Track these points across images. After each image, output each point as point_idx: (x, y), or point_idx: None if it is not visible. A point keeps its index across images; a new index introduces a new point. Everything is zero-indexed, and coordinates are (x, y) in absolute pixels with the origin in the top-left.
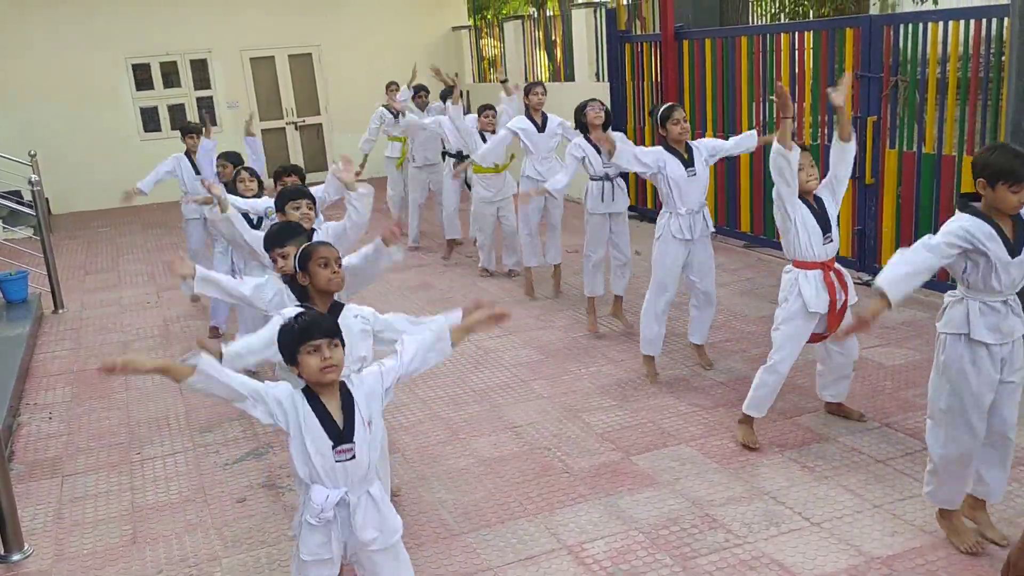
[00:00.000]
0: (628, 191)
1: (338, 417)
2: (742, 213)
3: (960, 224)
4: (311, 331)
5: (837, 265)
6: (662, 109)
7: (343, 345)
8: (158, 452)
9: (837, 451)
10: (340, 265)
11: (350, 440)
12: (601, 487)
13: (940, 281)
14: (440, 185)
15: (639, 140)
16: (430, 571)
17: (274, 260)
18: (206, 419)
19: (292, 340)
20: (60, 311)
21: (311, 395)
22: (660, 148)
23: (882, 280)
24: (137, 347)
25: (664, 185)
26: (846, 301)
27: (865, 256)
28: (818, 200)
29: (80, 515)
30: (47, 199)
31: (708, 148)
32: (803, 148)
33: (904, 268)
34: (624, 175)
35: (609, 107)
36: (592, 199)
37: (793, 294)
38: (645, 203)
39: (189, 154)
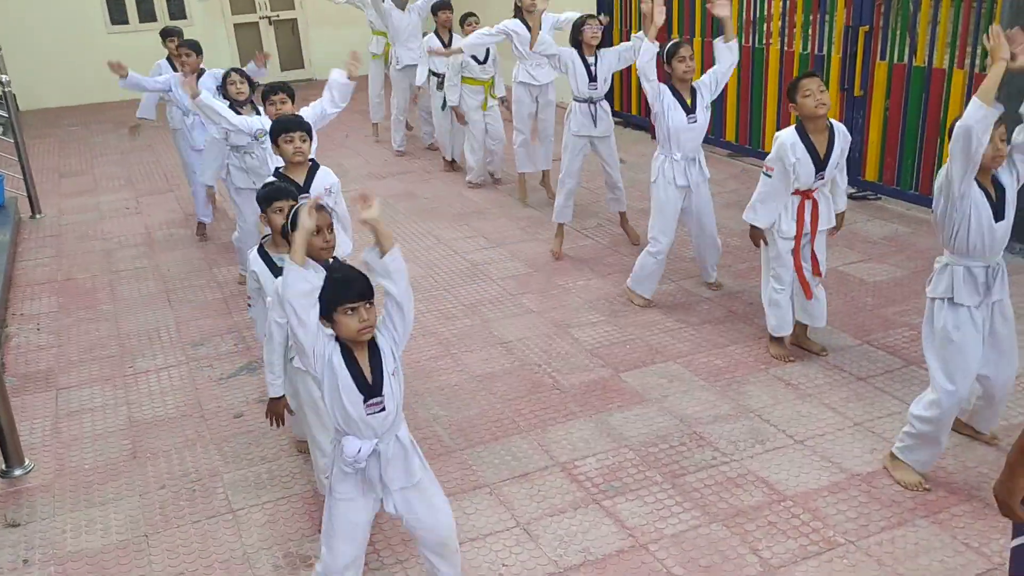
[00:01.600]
0: (613, 105)
1: (367, 371)
2: (727, 122)
3: None
4: (349, 294)
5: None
6: (668, 45)
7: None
8: (151, 366)
9: (820, 369)
10: (332, 231)
11: (379, 393)
12: (591, 404)
13: (924, 195)
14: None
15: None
16: None
17: (267, 221)
18: (197, 332)
19: (329, 300)
20: (38, 216)
21: (345, 350)
22: (665, 88)
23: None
24: (121, 256)
25: (662, 127)
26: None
27: (850, 169)
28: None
29: (78, 429)
30: (13, 94)
31: (710, 85)
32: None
33: None
34: (608, 97)
35: (595, 8)
36: (575, 121)
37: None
38: (630, 109)
39: (171, 59)
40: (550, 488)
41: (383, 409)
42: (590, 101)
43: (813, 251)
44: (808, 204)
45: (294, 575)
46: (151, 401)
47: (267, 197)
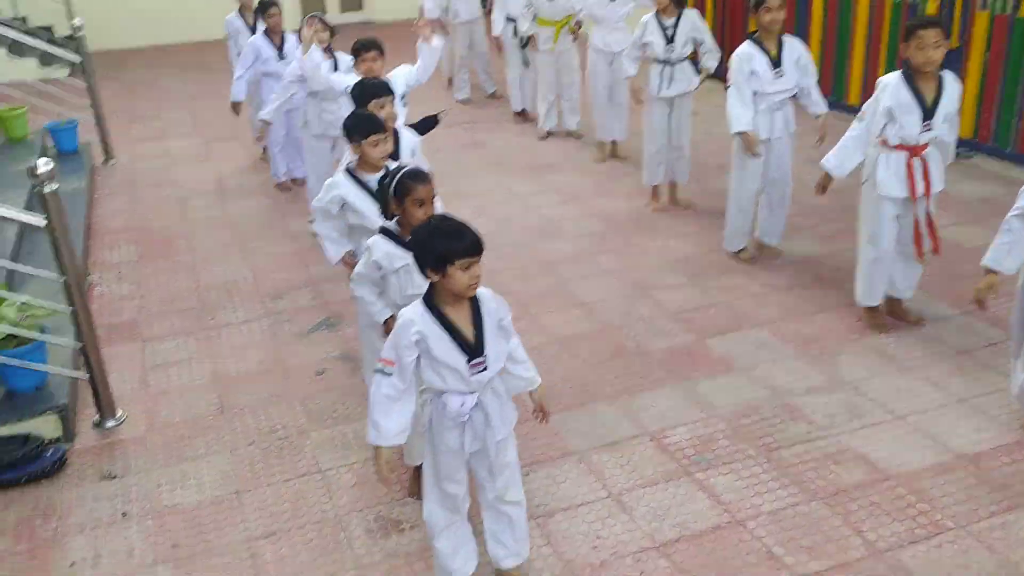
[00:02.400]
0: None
1: (468, 331)
2: (851, 84)
3: None
4: (467, 248)
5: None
6: None
7: None
8: (231, 319)
9: (917, 341)
10: (434, 203)
11: (481, 353)
12: (677, 371)
13: (1023, 154)
14: (482, 44)
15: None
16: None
17: (359, 152)
18: (273, 285)
19: (444, 256)
20: (110, 162)
21: (436, 311)
22: (749, 44)
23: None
24: (194, 204)
25: (750, 88)
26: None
27: None
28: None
29: (165, 383)
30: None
31: (800, 56)
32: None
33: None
34: (693, 58)
35: None
36: (651, 83)
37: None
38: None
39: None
40: (640, 458)
41: (485, 368)
42: (667, 63)
43: (929, 216)
44: (918, 164)
45: (386, 539)
46: (233, 355)
47: (361, 130)
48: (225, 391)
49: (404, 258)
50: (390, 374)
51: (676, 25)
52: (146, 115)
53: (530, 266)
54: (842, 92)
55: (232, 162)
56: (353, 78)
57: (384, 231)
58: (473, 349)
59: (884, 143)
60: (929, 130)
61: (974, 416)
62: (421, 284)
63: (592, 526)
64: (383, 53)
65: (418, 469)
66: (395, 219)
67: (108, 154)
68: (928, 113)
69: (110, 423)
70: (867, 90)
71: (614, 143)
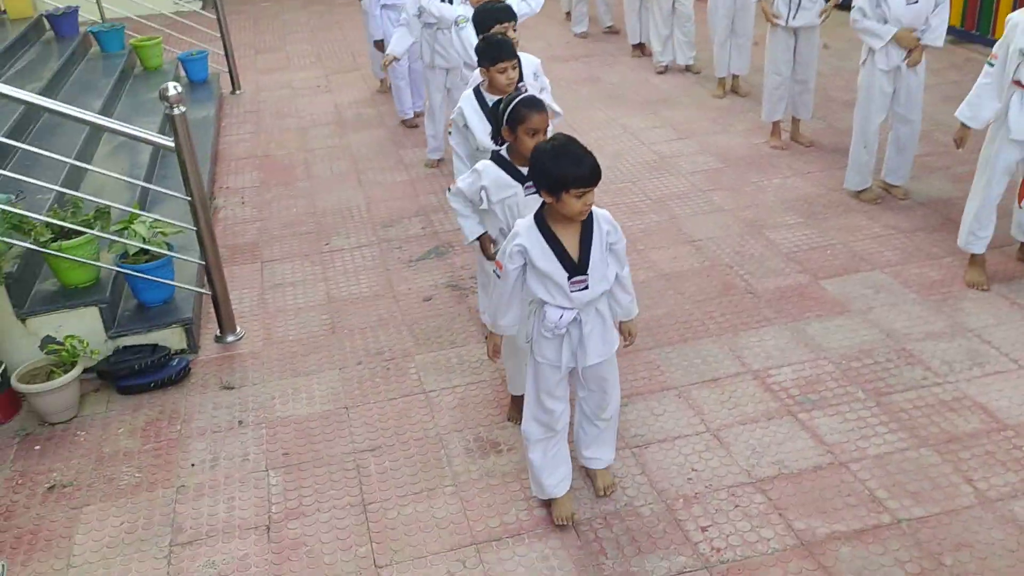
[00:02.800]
0: None
1: (573, 249)
2: (953, 3)
3: None
4: (582, 178)
5: None
6: None
7: None
8: (345, 244)
9: None
10: (547, 133)
11: (584, 272)
12: (787, 311)
13: None
14: None
15: None
16: None
17: (487, 75)
18: (386, 213)
19: (561, 182)
20: (237, 92)
21: (545, 228)
22: None
23: None
24: (314, 134)
25: (877, 12)
26: None
27: None
28: None
29: (282, 302)
30: None
31: None
32: None
33: None
34: None
35: None
36: (777, 8)
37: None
38: None
39: None
40: (742, 395)
41: (586, 287)
42: None
43: None
44: None
45: (484, 459)
46: (346, 279)
47: (490, 56)
48: (337, 312)
49: (513, 187)
50: (499, 277)
51: None
52: (271, 47)
53: (641, 202)
54: (987, 27)
55: (351, 94)
56: (465, 8)
57: (496, 157)
58: (576, 267)
59: (1019, 83)
60: None
61: None
62: (527, 215)
63: (688, 458)
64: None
65: (517, 398)
66: (506, 146)
67: (235, 84)
68: None
69: (230, 338)
70: (967, 11)
71: (735, 78)
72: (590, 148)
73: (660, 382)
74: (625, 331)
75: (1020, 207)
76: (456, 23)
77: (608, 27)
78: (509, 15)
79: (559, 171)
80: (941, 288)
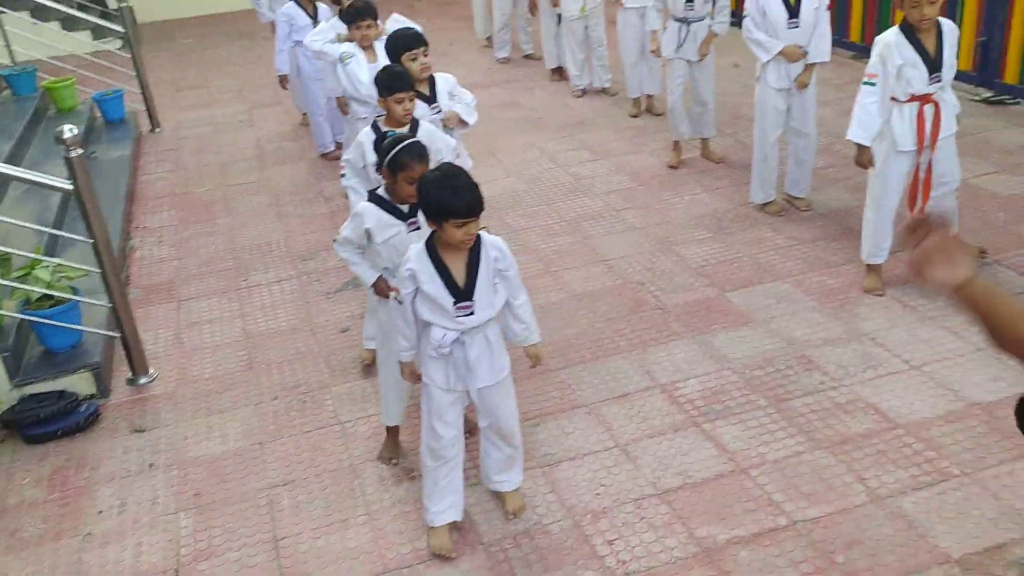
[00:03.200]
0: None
1: (460, 276)
2: (852, 21)
3: None
4: (460, 209)
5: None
6: None
7: None
8: (263, 279)
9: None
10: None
11: (469, 298)
12: (695, 325)
13: None
14: (523, 2)
15: None
16: (526, 407)
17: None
18: (305, 246)
19: (441, 212)
20: (156, 130)
21: (434, 253)
22: None
23: None
24: (234, 169)
25: (763, 29)
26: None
27: (987, 71)
28: None
29: (198, 340)
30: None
31: (820, 1)
32: None
33: None
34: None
35: None
36: (667, 41)
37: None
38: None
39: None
40: (650, 409)
41: (471, 313)
42: (684, 21)
43: (930, 165)
44: (929, 110)
45: (397, 486)
46: (264, 314)
47: (387, 86)
48: (254, 348)
49: (396, 226)
50: (400, 302)
51: None
52: (193, 84)
53: (555, 224)
54: (843, 30)
55: (273, 128)
56: (350, 45)
57: (374, 197)
58: (461, 293)
59: (896, 100)
60: (938, 81)
61: (992, 365)
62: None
63: (597, 474)
64: (377, 18)
65: (392, 432)
66: (384, 185)
67: (154, 122)
68: (934, 66)
69: (143, 380)
70: (867, 28)
71: (649, 97)
72: (507, 172)
73: (571, 401)
74: (530, 355)
75: (911, 214)
76: (341, 59)
77: (527, 55)
78: (419, 41)
79: (440, 201)
80: (839, 295)
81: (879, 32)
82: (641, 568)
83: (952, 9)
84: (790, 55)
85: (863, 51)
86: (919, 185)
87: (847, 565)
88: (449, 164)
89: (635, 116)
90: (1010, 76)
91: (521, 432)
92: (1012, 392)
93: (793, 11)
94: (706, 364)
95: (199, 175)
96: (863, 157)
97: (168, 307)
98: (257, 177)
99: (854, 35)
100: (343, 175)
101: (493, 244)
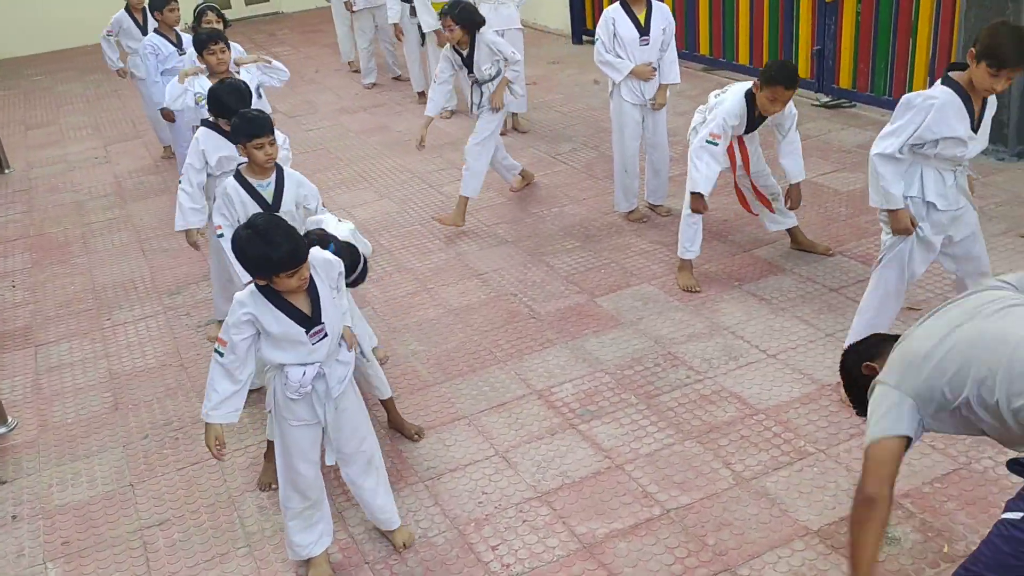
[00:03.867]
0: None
1: (304, 305)
2: (700, 35)
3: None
4: (286, 265)
5: None
6: None
7: None
8: (128, 317)
9: (793, 282)
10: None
11: (320, 322)
12: (567, 331)
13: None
14: (387, 27)
15: None
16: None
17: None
18: (172, 280)
19: (265, 267)
20: (6, 171)
21: (269, 292)
22: (616, 6)
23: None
24: (92, 207)
25: (613, 51)
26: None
27: (823, 77)
28: None
29: (59, 384)
30: None
31: (667, 23)
32: None
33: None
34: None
35: None
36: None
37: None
38: (584, 23)
39: (130, 11)
40: (527, 416)
41: (325, 335)
42: (476, 82)
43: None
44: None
45: (278, 515)
46: (130, 352)
47: (245, 133)
48: (120, 388)
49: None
50: (222, 354)
51: (471, 54)
52: (43, 122)
53: (430, 243)
54: (732, 54)
55: (132, 163)
56: (201, 82)
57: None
58: (311, 319)
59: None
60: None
61: (840, 348)
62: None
63: (478, 483)
64: (229, 45)
65: (271, 455)
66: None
67: (3, 163)
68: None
69: (1, 430)
70: (714, 41)
71: (514, 115)
72: (379, 195)
73: (451, 414)
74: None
75: (757, 214)
76: (197, 103)
77: (396, 76)
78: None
79: (260, 256)
80: (700, 294)
81: (725, 44)
82: (525, 569)
83: (788, 23)
84: (641, 74)
85: (711, 63)
86: (747, 192)
87: (718, 546)
88: (261, 215)
89: (503, 134)
90: (844, 81)
91: (402, 451)
92: None
93: (643, 30)
94: (579, 368)
95: (54, 215)
96: (696, 205)
97: (25, 353)
98: (117, 214)
99: (703, 48)
100: (219, 235)
101: (319, 264)
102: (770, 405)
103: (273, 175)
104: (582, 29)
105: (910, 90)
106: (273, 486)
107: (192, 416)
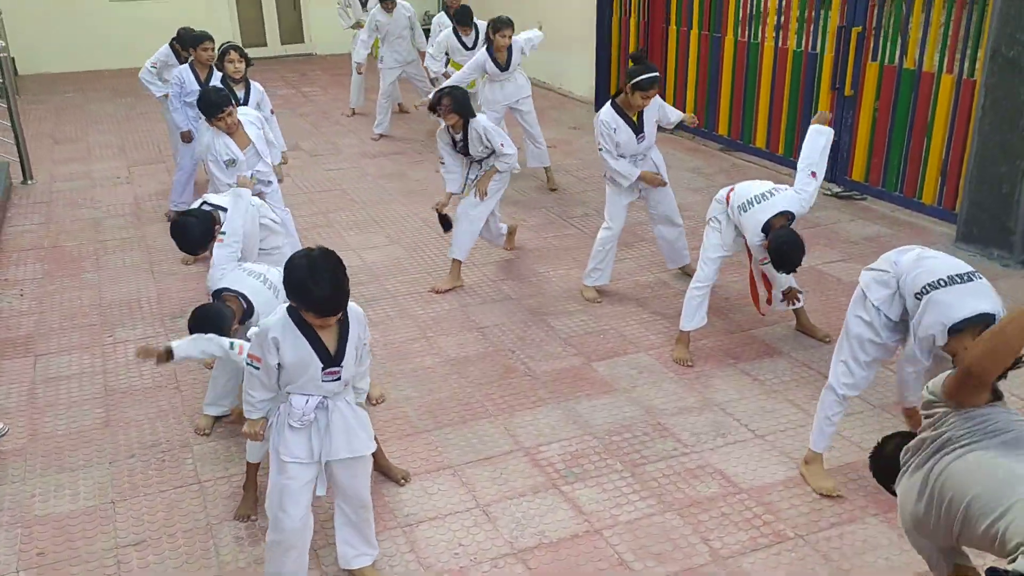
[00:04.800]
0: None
1: (331, 344)
2: (720, 115)
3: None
4: (320, 308)
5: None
6: (642, 78)
7: None
8: (130, 336)
9: (788, 365)
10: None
11: (339, 364)
12: (561, 391)
13: (909, 197)
14: (412, 74)
15: (624, 32)
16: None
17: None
18: (178, 304)
19: (301, 300)
20: (29, 182)
21: (300, 320)
22: (613, 114)
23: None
24: (108, 225)
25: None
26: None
27: (837, 167)
28: None
29: (54, 396)
30: (12, 59)
31: (658, 108)
32: None
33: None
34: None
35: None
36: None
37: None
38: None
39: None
40: (512, 472)
41: (339, 378)
42: (473, 161)
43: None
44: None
45: (254, 546)
46: (128, 371)
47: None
48: (114, 405)
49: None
50: (257, 367)
51: (465, 138)
52: (71, 138)
53: (434, 293)
54: (750, 136)
55: (153, 186)
56: (222, 154)
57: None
58: (331, 359)
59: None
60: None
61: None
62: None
63: (456, 534)
64: (235, 107)
65: (250, 486)
66: None
67: (27, 174)
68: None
69: None
70: (733, 123)
71: (546, 171)
72: (390, 240)
73: (437, 462)
74: (373, 397)
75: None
76: (227, 165)
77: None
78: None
79: (301, 289)
80: (695, 367)
81: (744, 127)
82: None
83: (807, 112)
84: (649, 180)
85: (729, 144)
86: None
87: None
88: (323, 249)
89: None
90: (857, 174)
91: (384, 494)
92: (844, 462)
93: (638, 128)
94: (569, 429)
95: (71, 229)
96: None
97: (24, 362)
98: (132, 234)
99: (722, 129)
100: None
101: (357, 318)
102: (754, 485)
103: None
104: (606, 97)
105: (921, 188)
106: (252, 517)
107: (180, 440)
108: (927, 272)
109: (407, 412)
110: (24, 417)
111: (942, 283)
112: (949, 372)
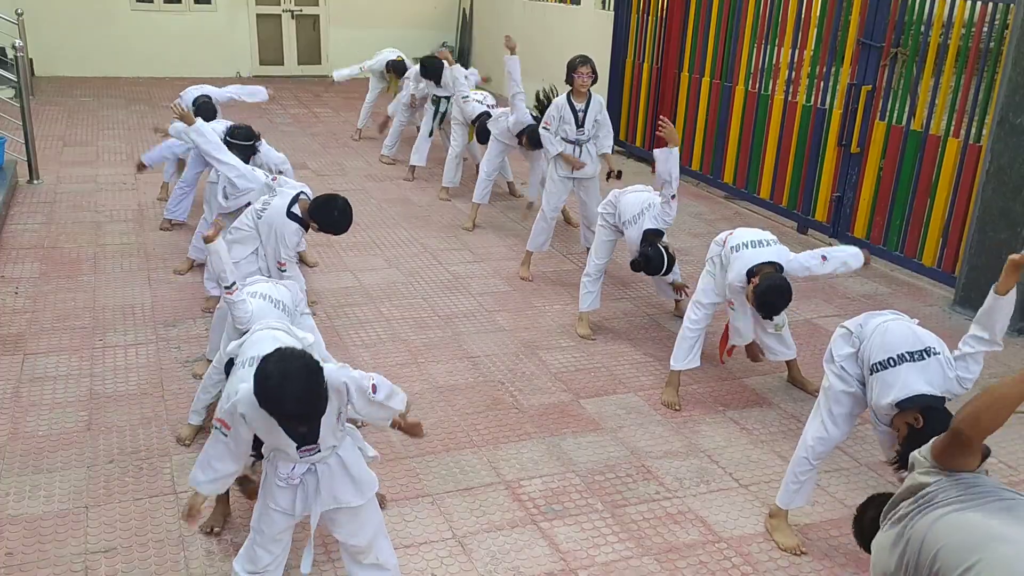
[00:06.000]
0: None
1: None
2: (727, 164)
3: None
4: (288, 419)
5: None
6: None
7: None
8: (120, 341)
9: (777, 416)
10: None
11: (314, 441)
12: (547, 427)
13: (909, 257)
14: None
15: (636, 77)
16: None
17: None
18: (171, 312)
19: (270, 409)
20: (35, 182)
21: None
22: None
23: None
24: (109, 230)
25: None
26: None
27: (839, 223)
28: None
29: (38, 396)
30: (30, 60)
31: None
32: None
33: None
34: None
35: (611, 37)
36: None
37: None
38: (634, 139)
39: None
40: (491, 504)
41: (317, 451)
42: (576, 143)
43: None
44: None
45: (224, 562)
46: (115, 376)
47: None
48: (97, 409)
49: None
50: (225, 434)
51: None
52: (81, 141)
53: (429, 318)
54: (755, 186)
55: (157, 193)
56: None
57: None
58: (304, 439)
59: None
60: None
61: (812, 490)
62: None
63: (430, 563)
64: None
65: (222, 497)
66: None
67: (34, 174)
68: None
69: None
70: (739, 171)
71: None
72: (388, 263)
73: (416, 489)
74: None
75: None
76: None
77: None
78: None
79: (272, 400)
80: (683, 412)
81: (749, 176)
82: None
83: (812, 166)
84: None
85: (734, 192)
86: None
87: None
88: (301, 358)
89: (525, 219)
90: (859, 230)
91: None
92: (826, 517)
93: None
94: (552, 465)
95: (71, 231)
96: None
97: (12, 360)
98: (133, 240)
99: (727, 177)
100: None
101: (335, 388)
102: (734, 535)
103: None
104: (618, 140)
105: (922, 249)
106: (216, 529)
107: (160, 448)
108: (880, 348)
109: (390, 436)
110: (6, 415)
111: (891, 362)
112: (938, 436)
